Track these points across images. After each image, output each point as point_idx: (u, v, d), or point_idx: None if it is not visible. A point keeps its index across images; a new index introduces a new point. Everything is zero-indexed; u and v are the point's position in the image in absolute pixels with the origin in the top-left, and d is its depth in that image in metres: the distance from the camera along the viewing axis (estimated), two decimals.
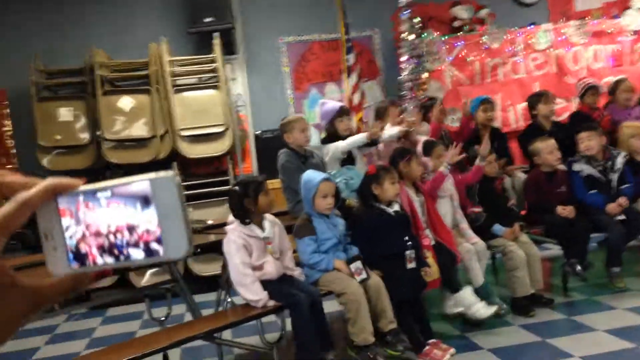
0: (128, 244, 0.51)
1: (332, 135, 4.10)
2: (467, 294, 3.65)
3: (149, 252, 0.50)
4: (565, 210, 4.17)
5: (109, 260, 0.52)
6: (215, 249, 3.59)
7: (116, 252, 0.52)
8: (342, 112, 4.09)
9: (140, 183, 0.50)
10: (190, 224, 0.50)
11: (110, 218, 0.51)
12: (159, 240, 0.50)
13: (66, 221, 0.53)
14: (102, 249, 0.52)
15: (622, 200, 4.23)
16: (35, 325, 5.12)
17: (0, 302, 0.50)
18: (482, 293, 3.82)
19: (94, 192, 0.52)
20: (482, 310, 3.63)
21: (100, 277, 0.56)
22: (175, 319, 4.08)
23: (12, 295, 0.50)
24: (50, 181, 0.53)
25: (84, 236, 0.53)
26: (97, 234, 0.52)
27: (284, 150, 3.95)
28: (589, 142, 4.31)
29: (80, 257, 0.53)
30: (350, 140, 3.97)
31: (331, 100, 4.83)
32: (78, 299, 5.43)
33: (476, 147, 4.16)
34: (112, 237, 0.52)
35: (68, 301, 5.42)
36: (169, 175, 0.50)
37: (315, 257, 3.31)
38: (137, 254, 0.51)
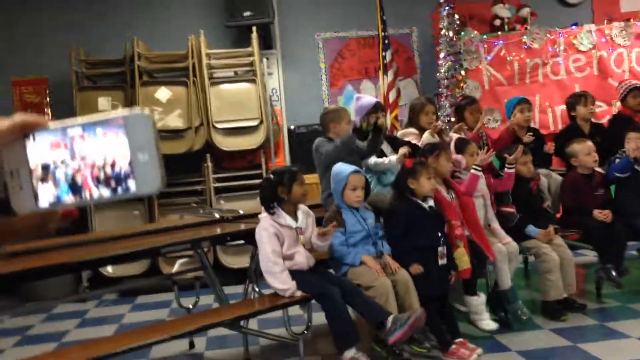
0: (99, 180, 0.50)
1: (366, 131, 4.06)
2: (479, 301, 3.60)
3: (121, 187, 0.50)
4: (603, 214, 4.06)
5: (80, 196, 0.51)
6: (245, 239, 3.60)
7: (89, 187, 0.51)
8: (377, 108, 4.06)
9: (114, 119, 0.49)
10: (162, 161, 0.49)
11: (83, 153, 0.50)
12: (131, 176, 0.49)
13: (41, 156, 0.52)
14: (74, 184, 0.51)
15: None
16: (67, 309, 5.24)
17: None
18: (509, 296, 3.75)
19: (64, 129, 0.51)
20: (487, 322, 3.60)
21: (69, 218, 0.55)
22: (203, 309, 4.12)
23: None
24: (17, 118, 0.52)
25: (43, 171, 0.52)
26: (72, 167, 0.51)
27: (322, 139, 3.90)
28: (638, 141, 4.20)
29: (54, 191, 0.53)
30: (379, 161, 3.93)
31: (367, 95, 4.80)
32: (107, 284, 5.55)
33: (505, 155, 4.09)
34: (85, 172, 0.51)
35: (97, 286, 5.54)
36: (144, 112, 0.49)
37: (343, 250, 3.29)
38: (108, 190, 0.50)
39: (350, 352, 3.02)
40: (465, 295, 3.66)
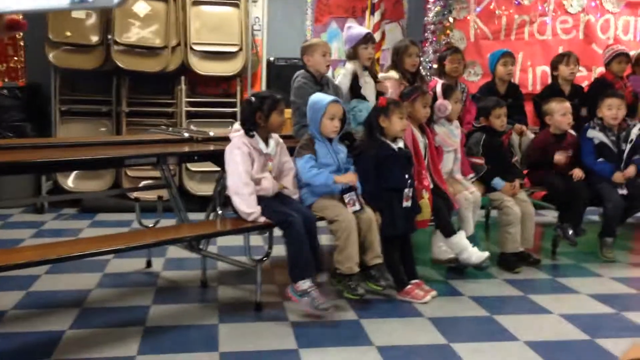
0: None
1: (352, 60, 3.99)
2: (460, 238, 3.63)
3: None
4: (578, 173, 4.12)
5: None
6: (213, 159, 3.54)
7: None
8: (367, 39, 3.98)
9: None
10: None
11: None
12: None
13: None
14: None
15: (631, 169, 4.18)
16: (24, 219, 5.15)
17: None
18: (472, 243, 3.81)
19: None
20: (474, 255, 3.61)
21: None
22: None
23: None
24: None
25: None
26: None
27: (302, 72, 3.83)
28: (618, 111, 4.22)
29: None
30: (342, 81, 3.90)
31: (358, 25, 4.69)
32: (69, 202, 5.45)
33: (481, 119, 4.08)
34: None
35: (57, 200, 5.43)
36: None
37: (314, 171, 3.24)
38: None
39: (305, 284, 3.04)
40: (445, 239, 3.67)
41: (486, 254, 3.63)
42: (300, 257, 3.06)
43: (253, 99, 3.20)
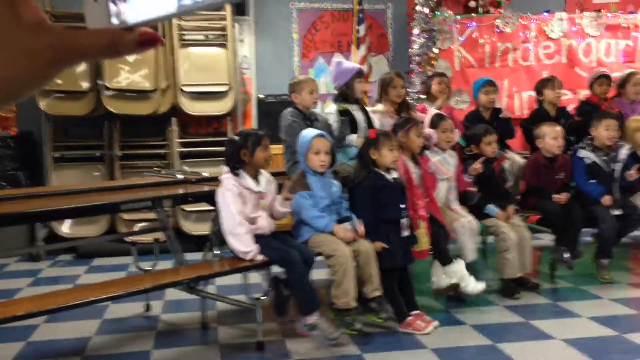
0: None
1: (345, 96, 4.03)
2: (459, 267, 3.63)
3: None
4: (559, 198, 4.15)
5: (150, 9, 0.43)
6: (208, 200, 3.55)
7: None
8: (361, 74, 4.05)
9: None
10: None
11: None
12: None
13: None
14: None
15: (634, 171, 4.17)
16: (20, 268, 5.11)
17: (25, 40, 0.44)
18: (471, 271, 3.82)
19: None
20: (472, 285, 3.62)
21: (148, 42, 0.47)
22: None
23: (39, 35, 0.45)
24: None
25: None
26: None
27: (290, 110, 3.87)
28: (614, 132, 4.27)
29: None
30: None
31: (346, 60, 4.76)
32: (65, 248, 5.42)
33: (471, 147, 4.13)
34: None
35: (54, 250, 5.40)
36: None
37: (316, 212, 3.26)
38: None
39: (313, 317, 3.05)
40: (445, 267, 3.67)
41: (482, 285, 3.63)
42: (305, 291, 3.08)
43: (236, 137, 3.24)
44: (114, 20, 0.46)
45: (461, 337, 3.25)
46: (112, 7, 0.46)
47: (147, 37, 0.47)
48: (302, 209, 3.29)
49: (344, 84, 4.00)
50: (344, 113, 3.92)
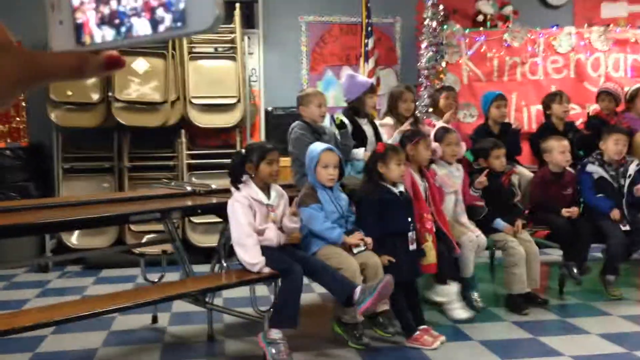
0: (135, 12, 0.43)
1: (356, 110, 4.04)
2: (452, 290, 3.64)
3: (165, 20, 0.42)
4: (569, 212, 4.13)
5: (109, 33, 0.43)
6: (216, 212, 3.56)
7: (117, 21, 0.43)
8: (373, 89, 4.06)
9: None
10: None
11: None
12: (182, 4, 0.41)
13: None
14: (101, 19, 0.45)
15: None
16: (28, 278, 5.14)
17: None
18: (470, 284, 3.85)
19: None
20: (458, 311, 3.66)
21: (113, 65, 0.48)
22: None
23: (5, 55, 0.46)
24: None
25: (81, 2, 0.45)
26: None
27: (298, 123, 3.88)
28: (623, 147, 4.26)
29: (76, 29, 0.46)
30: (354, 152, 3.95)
31: (359, 74, 4.78)
32: (73, 259, 5.45)
33: (479, 161, 4.14)
34: (113, 2, 0.44)
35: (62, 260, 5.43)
36: None
37: (328, 224, 3.26)
38: (147, 25, 0.42)
39: (278, 334, 2.98)
40: (436, 284, 3.68)
41: (468, 314, 3.66)
42: (287, 306, 3.03)
43: (243, 151, 3.26)
44: (79, 43, 0.46)
45: (469, 353, 3.24)
46: (77, 31, 0.46)
47: (111, 60, 0.48)
48: (314, 220, 3.28)
49: (355, 99, 4.01)
50: (341, 126, 3.90)
